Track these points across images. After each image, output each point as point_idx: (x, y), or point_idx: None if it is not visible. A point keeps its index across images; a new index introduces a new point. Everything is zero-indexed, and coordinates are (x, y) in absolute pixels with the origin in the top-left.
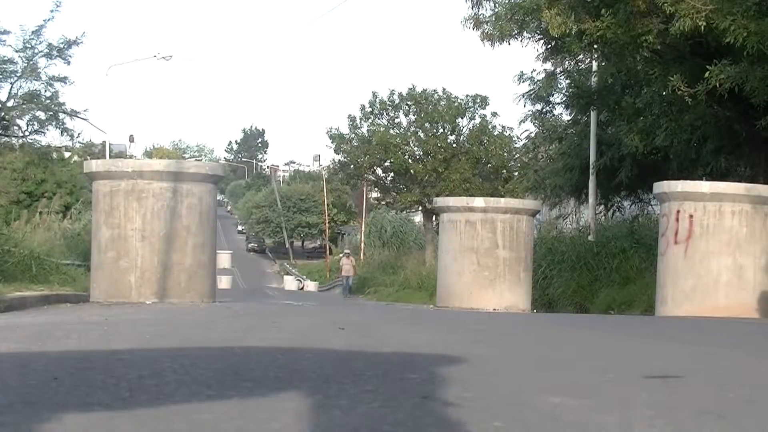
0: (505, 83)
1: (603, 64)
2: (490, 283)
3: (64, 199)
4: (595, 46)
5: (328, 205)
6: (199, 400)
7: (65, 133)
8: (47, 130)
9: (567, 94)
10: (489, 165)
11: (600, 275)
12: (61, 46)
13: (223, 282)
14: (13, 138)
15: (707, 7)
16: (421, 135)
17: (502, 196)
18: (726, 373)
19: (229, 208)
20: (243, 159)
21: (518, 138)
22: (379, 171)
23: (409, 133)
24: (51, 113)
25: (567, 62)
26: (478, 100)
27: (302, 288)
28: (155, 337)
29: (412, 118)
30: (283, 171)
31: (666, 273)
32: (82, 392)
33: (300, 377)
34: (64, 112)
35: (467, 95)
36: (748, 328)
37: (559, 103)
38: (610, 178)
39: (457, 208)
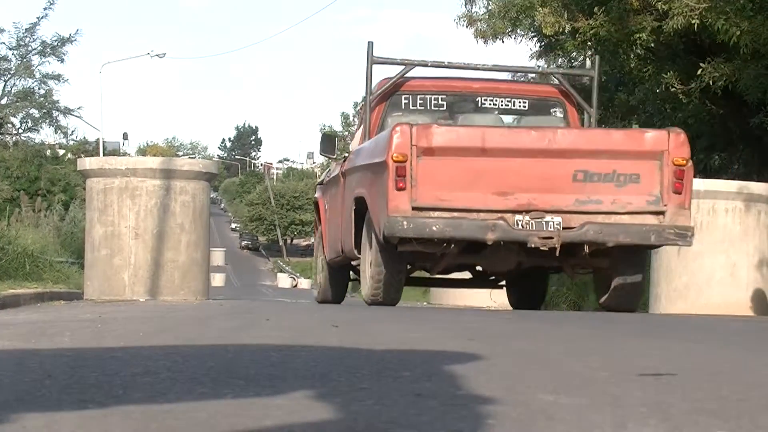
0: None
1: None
2: None
3: (60, 197)
4: (589, 44)
5: None
6: (192, 397)
7: (59, 131)
8: (41, 127)
9: None
10: None
11: None
12: (55, 44)
13: (217, 279)
14: (6, 136)
15: (701, 5)
16: None
17: None
18: (720, 370)
19: (222, 205)
20: (236, 156)
21: None
22: None
23: None
24: (45, 111)
25: (561, 60)
26: None
27: (296, 285)
28: (148, 335)
29: None
30: (277, 168)
31: (659, 271)
32: (76, 390)
33: (294, 375)
34: (57, 110)
35: None
36: (742, 326)
37: None
38: None
39: None
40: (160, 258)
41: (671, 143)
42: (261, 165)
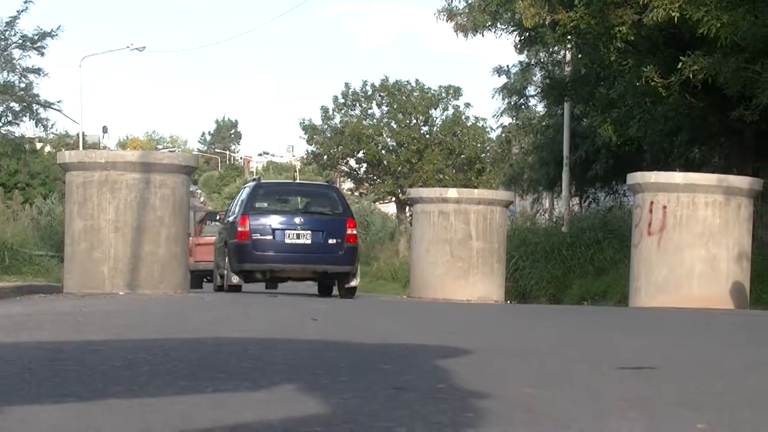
0: (479, 75)
1: (579, 56)
2: (464, 274)
3: (40, 191)
4: (569, 37)
5: None
6: (172, 391)
7: (39, 125)
8: (21, 121)
9: (541, 85)
10: (462, 156)
11: (573, 266)
12: (36, 37)
13: None
14: None
15: None
16: (394, 126)
17: (476, 188)
18: (699, 364)
19: (202, 199)
20: (216, 150)
21: (492, 129)
22: (352, 162)
23: (381, 124)
24: (25, 104)
25: (542, 53)
26: (451, 91)
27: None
28: (128, 328)
29: (385, 109)
30: (257, 162)
31: (639, 264)
32: (56, 383)
33: (273, 368)
34: (38, 104)
35: (440, 86)
36: (721, 319)
37: (533, 95)
38: (585, 170)
39: (431, 199)
40: (139, 251)
41: None
42: (241, 158)
